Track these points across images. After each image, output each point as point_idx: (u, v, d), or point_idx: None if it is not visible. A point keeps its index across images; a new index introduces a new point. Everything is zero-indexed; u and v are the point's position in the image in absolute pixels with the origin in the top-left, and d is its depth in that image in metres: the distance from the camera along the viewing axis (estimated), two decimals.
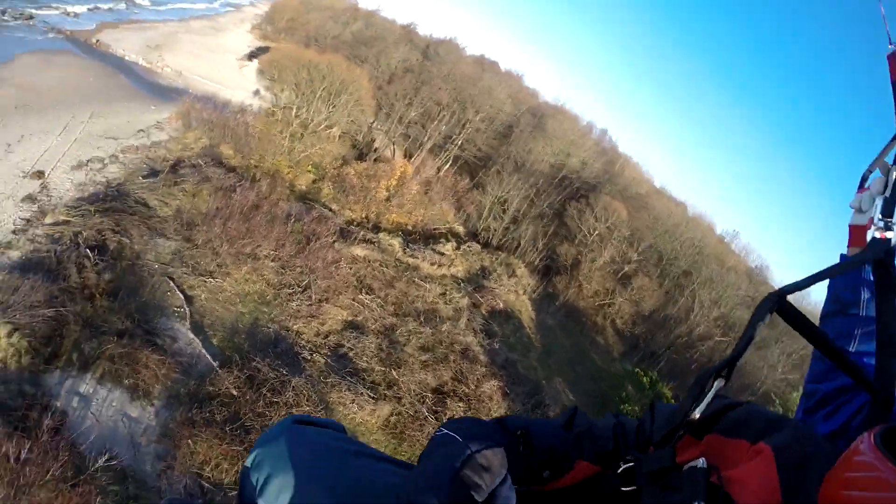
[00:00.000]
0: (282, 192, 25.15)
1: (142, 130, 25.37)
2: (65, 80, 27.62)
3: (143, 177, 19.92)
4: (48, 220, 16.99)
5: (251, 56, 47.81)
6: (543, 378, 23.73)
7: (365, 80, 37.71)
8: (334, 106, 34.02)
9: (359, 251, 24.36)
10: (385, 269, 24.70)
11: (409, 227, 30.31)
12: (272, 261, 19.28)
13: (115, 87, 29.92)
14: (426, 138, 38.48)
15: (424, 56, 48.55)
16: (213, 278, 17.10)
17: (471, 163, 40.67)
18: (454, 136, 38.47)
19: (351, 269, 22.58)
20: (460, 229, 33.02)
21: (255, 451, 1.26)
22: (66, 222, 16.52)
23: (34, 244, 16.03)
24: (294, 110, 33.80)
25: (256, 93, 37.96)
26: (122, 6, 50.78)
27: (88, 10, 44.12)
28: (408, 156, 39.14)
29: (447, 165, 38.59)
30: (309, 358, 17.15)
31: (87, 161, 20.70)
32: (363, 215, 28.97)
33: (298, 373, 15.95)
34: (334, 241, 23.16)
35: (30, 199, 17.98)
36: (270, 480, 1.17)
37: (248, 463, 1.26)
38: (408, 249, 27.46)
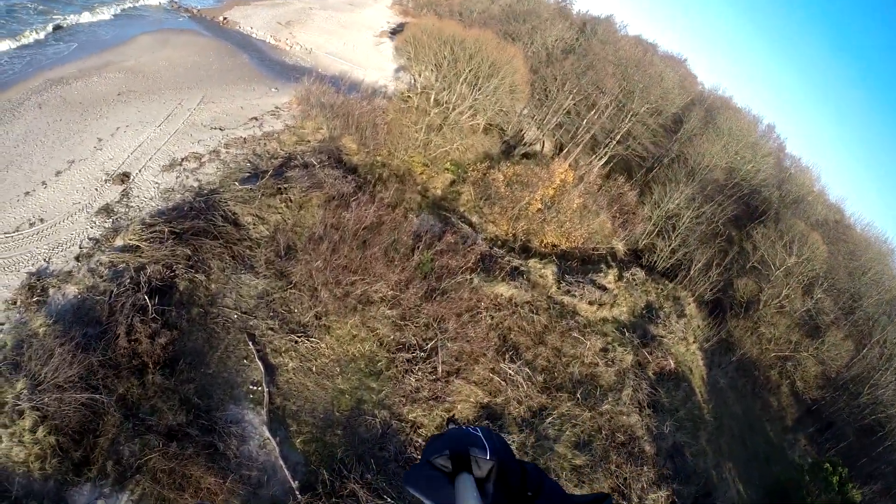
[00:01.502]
0: (411, 199, 20.98)
1: (255, 118, 22.90)
2: (180, 61, 26.58)
3: (242, 181, 16.71)
4: (118, 242, 14.37)
5: (389, 33, 45.52)
6: (713, 465, 20.15)
7: (520, 60, 32.63)
8: (481, 91, 29.31)
9: (503, 290, 19.26)
10: (535, 315, 19.53)
11: (565, 249, 24.85)
12: (390, 307, 14.79)
13: (234, 68, 28.43)
14: (583, 131, 33.89)
15: (581, 34, 44.89)
16: (307, 337, 13.09)
17: (631, 161, 36.17)
18: (615, 130, 33.83)
19: (493, 318, 17.47)
20: (620, 247, 27.54)
21: None
22: (135, 248, 13.66)
23: (94, 278, 13.43)
24: (433, 95, 29.85)
25: (393, 73, 34.83)
26: None
27: None
28: (559, 149, 34.96)
29: (601, 162, 33.68)
30: None
31: (182, 159, 18.24)
32: (510, 232, 23.98)
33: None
34: (473, 275, 18.16)
35: (106, 210, 15.71)
36: None
37: None
38: (563, 282, 22.31)
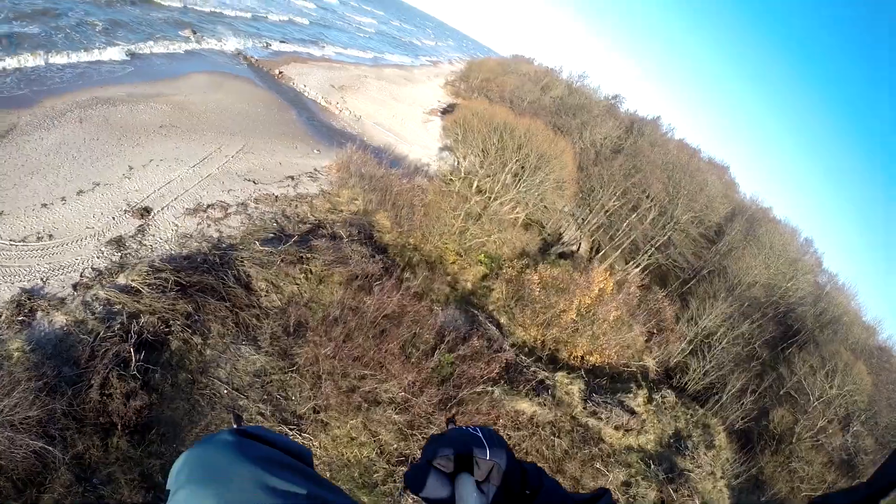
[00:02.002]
0: (440, 290, 20.35)
1: (291, 177, 22.87)
2: (228, 105, 27.15)
3: (264, 241, 16.20)
4: (120, 279, 13.68)
5: (440, 112, 47.04)
6: None
7: (570, 155, 33.11)
8: (526, 183, 29.49)
9: (525, 406, 18.08)
10: (556, 438, 18.15)
11: (595, 363, 23.75)
12: (398, 411, 13.66)
13: (281, 122, 28.98)
14: (623, 234, 33.69)
15: (628, 134, 46.61)
16: (300, 431, 11.94)
17: (667, 270, 35.59)
18: (656, 237, 33.65)
19: (510, 439, 16.18)
20: (652, 365, 26.20)
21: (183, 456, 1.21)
22: (135, 292, 12.93)
23: (86, 312, 12.64)
24: (476, 181, 30.03)
25: (438, 153, 35.40)
26: (329, 51, 54.34)
27: (282, 42, 47.29)
28: (595, 250, 34.75)
29: (638, 269, 32.77)
30: None
31: (208, 206, 17.93)
32: (539, 339, 23.01)
33: None
34: (495, 386, 17.10)
35: (117, 243, 15.17)
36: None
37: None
38: (590, 402, 20.96)
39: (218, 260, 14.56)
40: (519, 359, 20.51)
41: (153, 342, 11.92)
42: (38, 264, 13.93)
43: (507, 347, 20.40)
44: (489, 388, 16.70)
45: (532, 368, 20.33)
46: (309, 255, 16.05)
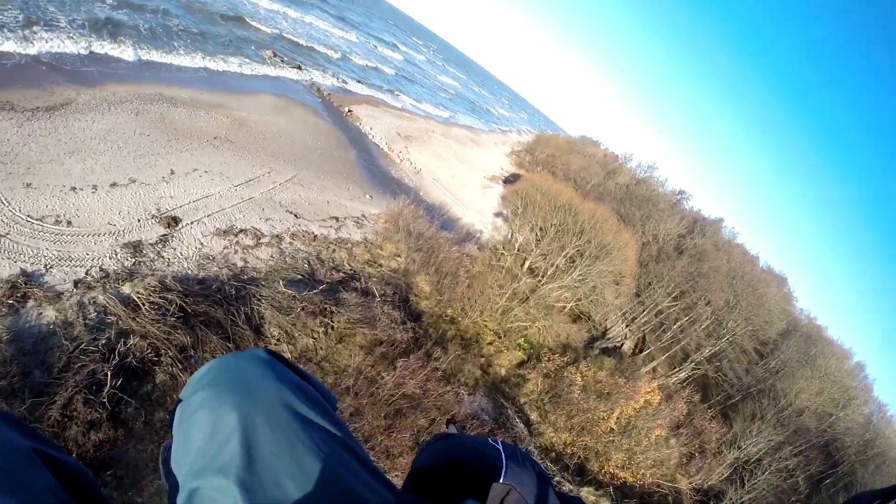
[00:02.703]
0: (470, 372, 18.81)
1: (336, 218, 22.18)
2: (289, 132, 27.17)
3: (289, 283, 15.16)
4: (124, 289, 12.79)
5: (501, 180, 46.87)
6: None
7: (633, 250, 31.88)
8: (581, 272, 28.08)
9: None
10: None
11: (625, 480, 21.83)
12: None
13: (338, 160, 28.77)
14: (671, 337, 32.72)
15: (690, 232, 46.32)
16: None
17: (711, 381, 33.90)
18: (707, 346, 32.32)
19: None
20: (685, 487, 23.92)
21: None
22: (135, 308, 11.86)
23: (78, 316, 11.71)
24: (528, 261, 28.87)
25: (492, 221, 34.75)
26: (403, 101, 55.62)
27: (358, 83, 48.47)
28: (639, 348, 33.69)
29: (683, 375, 31.55)
30: None
31: (240, 231, 17.20)
32: (569, 444, 21.00)
33: None
34: None
35: (134, 248, 14.43)
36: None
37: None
38: None
39: (234, 292, 13.54)
40: (544, 465, 18.65)
41: (136, 369, 10.79)
42: (47, 249, 13.23)
43: (532, 450, 18.78)
44: None
45: (556, 479, 18.73)
46: (334, 308, 14.89)
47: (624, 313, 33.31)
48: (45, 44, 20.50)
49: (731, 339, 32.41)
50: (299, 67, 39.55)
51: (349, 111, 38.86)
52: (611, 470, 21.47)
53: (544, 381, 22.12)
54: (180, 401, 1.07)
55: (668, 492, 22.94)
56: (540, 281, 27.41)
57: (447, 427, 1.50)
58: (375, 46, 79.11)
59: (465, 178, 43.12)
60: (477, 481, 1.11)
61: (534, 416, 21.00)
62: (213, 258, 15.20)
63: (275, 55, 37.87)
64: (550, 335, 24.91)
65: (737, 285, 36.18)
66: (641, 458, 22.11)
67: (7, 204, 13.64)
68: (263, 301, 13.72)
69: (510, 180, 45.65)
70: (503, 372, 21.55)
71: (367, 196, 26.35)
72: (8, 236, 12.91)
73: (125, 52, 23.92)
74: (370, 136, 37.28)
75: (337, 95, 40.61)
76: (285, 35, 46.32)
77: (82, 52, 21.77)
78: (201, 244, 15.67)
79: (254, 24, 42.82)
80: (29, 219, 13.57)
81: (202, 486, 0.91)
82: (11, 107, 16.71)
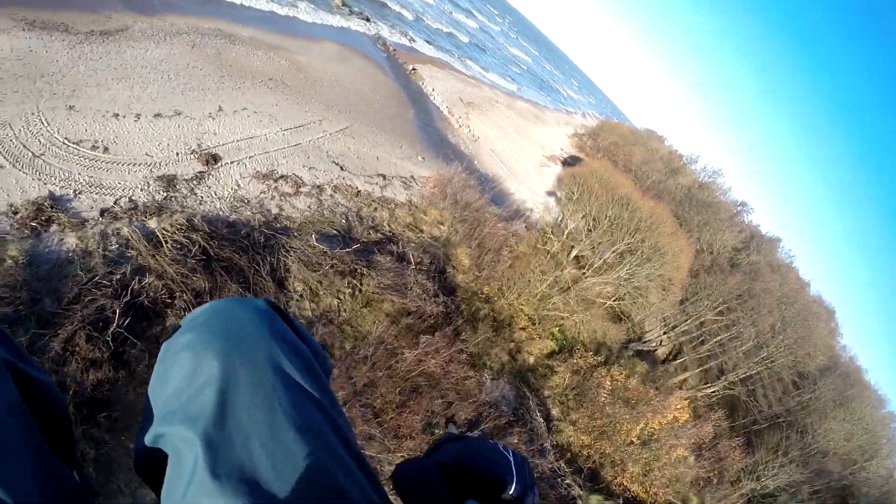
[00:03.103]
0: (497, 357, 17.82)
1: (383, 176, 21.27)
2: (347, 82, 26.26)
3: (321, 237, 14.37)
4: (151, 223, 12.23)
5: (560, 160, 45.15)
6: None
7: (687, 258, 30.05)
8: (629, 270, 26.53)
9: None
10: None
11: (636, 494, 20.48)
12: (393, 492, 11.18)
13: (395, 117, 27.76)
14: (708, 351, 31.83)
15: (745, 248, 44.82)
16: None
17: (738, 403, 32.55)
18: (743, 366, 31.03)
19: None
20: None
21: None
22: (157, 245, 11.27)
23: (99, 246, 11.18)
24: (576, 249, 27.46)
25: (544, 200, 33.38)
26: (470, 67, 54.00)
27: (427, 43, 47.02)
28: (673, 355, 32.78)
29: (710, 390, 30.47)
30: None
31: (281, 177, 16.45)
32: (586, 447, 19.94)
33: None
34: None
35: (167, 181, 13.87)
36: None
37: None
38: None
39: (263, 240, 12.82)
40: (557, 466, 17.73)
41: (147, 310, 10.21)
42: (79, 173, 12.77)
43: (548, 448, 17.73)
44: None
45: (567, 481, 17.83)
46: (365, 270, 14.03)
47: (664, 318, 31.94)
48: None
49: (769, 365, 30.86)
50: (367, 20, 38.48)
51: (413, 69, 37.66)
52: (624, 482, 20.44)
53: (572, 377, 21.01)
54: (169, 337, 1.02)
55: None
56: (584, 273, 26.06)
57: (447, 427, 1.44)
58: (451, 12, 77.06)
59: (523, 154, 41.52)
60: (482, 486, 1.11)
61: (555, 412, 19.98)
62: (248, 202, 14.52)
63: (343, 4, 36.85)
64: (587, 330, 23.67)
65: (786, 312, 34.15)
66: (658, 475, 20.94)
67: (47, 125, 13.22)
68: (292, 253, 12.97)
69: (569, 163, 43.88)
70: (531, 360, 20.50)
71: (420, 157, 25.31)
72: (42, 156, 12.49)
73: None
74: (432, 98, 36.08)
75: (403, 52, 39.41)
76: None
77: None
78: (238, 185, 15.01)
79: None
80: (66, 141, 13.12)
81: (168, 433, 0.85)
82: (66, 28, 16.29)
